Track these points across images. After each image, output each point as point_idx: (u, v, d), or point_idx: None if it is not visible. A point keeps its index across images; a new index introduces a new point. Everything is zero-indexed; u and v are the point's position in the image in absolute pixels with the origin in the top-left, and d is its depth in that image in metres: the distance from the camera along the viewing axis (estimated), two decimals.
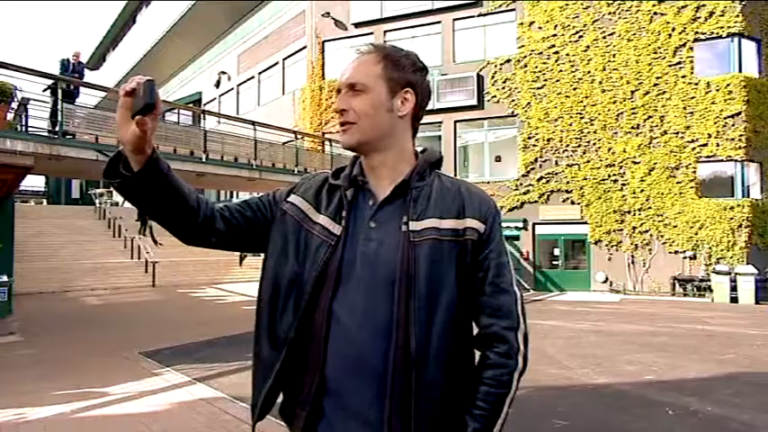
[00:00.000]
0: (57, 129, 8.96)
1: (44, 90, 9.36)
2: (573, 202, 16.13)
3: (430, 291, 1.04)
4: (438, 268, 1.06)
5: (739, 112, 14.21)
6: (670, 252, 14.79)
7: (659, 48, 15.13)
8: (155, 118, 1.00)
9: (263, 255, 1.21)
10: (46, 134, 9.22)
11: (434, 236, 1.07)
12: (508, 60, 17.14)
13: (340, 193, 1.14)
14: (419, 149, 1.22)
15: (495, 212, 1.16)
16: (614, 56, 15.68)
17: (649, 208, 15.07)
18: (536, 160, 16.63)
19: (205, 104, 27.62)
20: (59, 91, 9.00)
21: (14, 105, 8.77)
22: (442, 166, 1.23)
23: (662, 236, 14.89)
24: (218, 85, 27.08)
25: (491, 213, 1.15)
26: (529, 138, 16.72)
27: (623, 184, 15.43)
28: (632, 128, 15.34)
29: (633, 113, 15.33)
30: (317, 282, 1.08)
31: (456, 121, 17.97)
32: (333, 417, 1.06)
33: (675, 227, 14.71)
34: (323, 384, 1.06)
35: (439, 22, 18.34)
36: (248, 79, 25.12)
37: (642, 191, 15.14)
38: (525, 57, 16.89)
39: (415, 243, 1.06)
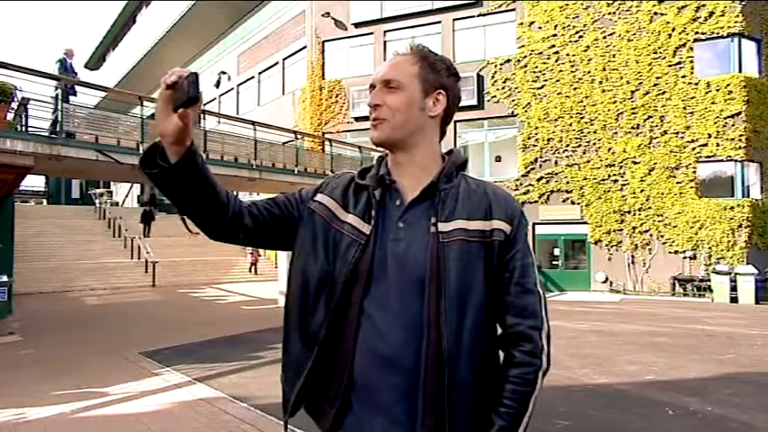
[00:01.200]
0: (57, 129, 8.96)
1: (55, 94, 9.28)
2: (573, 202, 16.13)
3: (460, 291, 1.07)
4: (467, 269, 1.08)
5: (739, 112, 14.21)
6: (670, 252, 14.79)
7: (659, 48, 15.13)
8: (196, 110, 1.02)
9: (281, 255, 1.26)
10: (46, 134, 9.22)
11: (463, 237, 1.09)
12: (508, 60, 17.14)
13: (368, 193, 1.16)
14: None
15: (521, 214, 1.17)
16: (614, 56, 15.68)
17: (649, 208, 15.07)
18: (536, 160, 16.63)
19: (205, 104, 27.59)
20: (60, 91, 8.98)
21: (14, 105, 8.76)
22: (467, 168, 1.25)
23: (662, 236, 14.89)
24: (218, 85, 27.08)
25: (517, 215, 1.16)
26: (529, 138, 16.72)
27: (623, 184, 15.44)
28: (632, 128, 15.34)
29: (633, 113, 15.33)
30: (348, 280, 1.10)
31: (456, 121, 17.95)
32: (361, 412, 1.09)
33: (675, 227, 14.71)
34: (351, 381, 1.09)
35: (439, 22, 18.34)
36: (248, 79, 25.12)
37: (642, 191, 15.14)
38: (525, 57, 16.89)
39: (444, 244, 1.08)
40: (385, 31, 19.19)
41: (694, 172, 14.66)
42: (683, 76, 14.83)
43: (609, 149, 15.63)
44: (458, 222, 1.10)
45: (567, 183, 16.15)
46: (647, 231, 15.11)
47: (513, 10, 17.23)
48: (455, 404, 1.05)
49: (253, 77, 24.78)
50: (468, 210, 1.12)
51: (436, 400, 1.04)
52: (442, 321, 1.05)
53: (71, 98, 9.56)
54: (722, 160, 14.48)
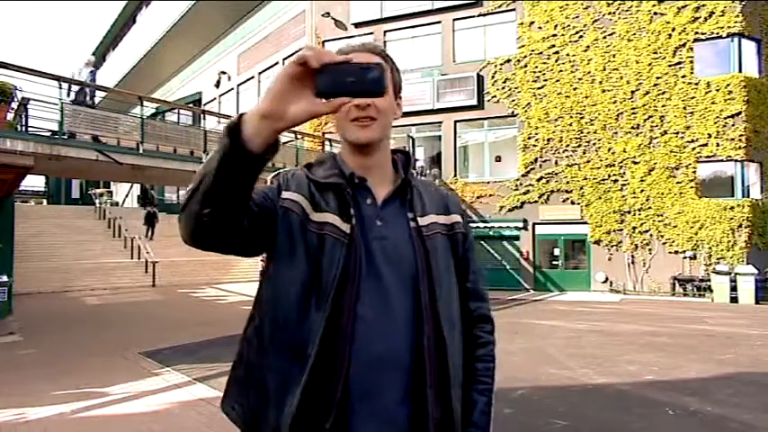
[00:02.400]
0: (57, 129, 8.98)
1: (74, 100, 9.62)
2: (573, 202, 16.13)
3: (446, 282, 1.13)
4: (446, 260, 1.16)
5: (739, 112, 14.21)
6: (670, 252, 14.79)
7: (659, 48, 15.13)
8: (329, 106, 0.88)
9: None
10: (46, 134, 9.23)
11: (439, 230, 1.16)
12: (508, 60, 17.14)
13: (336, 191, 1.11)
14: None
15: (464, 208, 1.30)
16: (614, 56, 15.68)
17: (649, 208, 15.07)
18: (536, 160, 16.63)
19: (205, 104, 27.61)
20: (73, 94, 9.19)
21: (14, 105, 8.77)
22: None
23: (662, 236, 14.89)
24: (218, 85, 27.08)
25: (462, 209, 1.27)
26: (529, 138, 16.72)
27: (623, 184, 15.44)
28: (632, 128, 15.34)
29: (633, 113, 15.33)
30: (339, 282, 1.03)
31: (456, 121, 17.97)
32: (358, 422, 1.02)
33: (675, 227, 14.71)
34: (347, 390, 1.02)
35: (439, 22, 18.34)
36: (248, 79, 25.12)
37: (642, 191, 15.14)
38: (525, 57, 16.89)
39: (427, 238, 1.12)
40: (385, 31, 19.19)
41: (694, 172, 14.66)
42: (683, 76, 14.83)
43: (609, 149, 15.63)
44: (431, 217, 1.16)
45: (567, 183, 16.15)
46: (647, 231, 15.11)
47: (513, 10, 17.23)
48: (457, 391, 1.11)
49: (253, 77, 24.77)
50: (435, 205, 1.19)
51: (443, 391, 1.07)
52: (441, 314, 1.08)
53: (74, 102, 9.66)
54: (722, 160, 14.48)
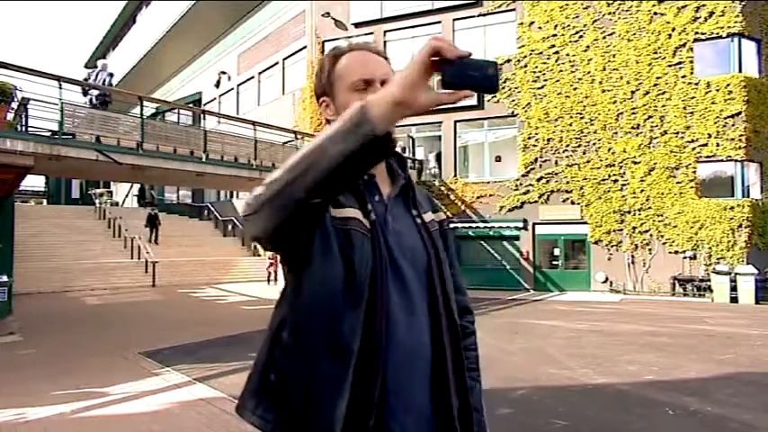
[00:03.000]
0: (57, 129, 8.99)
1: (94, 105, 10.25)
2: (573, 202, 16.13)
3: (449, 275, 1.18)
4: (444, 255, 1.20)
5: (739, 112, 14.21)
6: (670, 252, 14.79)
7: (659, 48, 15.13)
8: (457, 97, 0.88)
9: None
10: (46, 134, 9.23)
11: (436, 227, 1.22)
12: (508, 60, 17.14)
13: (353, 187, 1.10)
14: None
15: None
16: (614, 56, 15.68)
17: (649, 208, 15.07)
18: (536, 160, 16.63)
19: (205, 104, 27.62)
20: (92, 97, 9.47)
21: (14, 105, 8.77)
22: None
23: (662, 236, 14.89)
24: (218, 85, 27.08)
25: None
26: (529, 138, 16.72)
27: (623, 184, 15.44)
28: (632, 128, 15.34)
29: (633, 113, 15.33)
30: (372, 278, 1.03)
31: (456, 121, 17.97)
32: (394, 418, 1.02)
33: (675, 227, 14.71)
34: (385, 386, 1.01)
35: (439, 22, 18.33)
36: (248, 79, 25.12)
37: (642, 191, 15.14)
38: (525, 57, 16.89)
39: (432, 233, 1.18)
40: (385, 31, 19.19)
41: (694, 172, 14.66)
42: (683, 76, 14.83)
43: (609, 149, 15.63)
44: (429, 215, 1.22)
45: (567, 183, 16.15)
46: (647, 231, 15.11)
47: (513, 10, 17.23)
48: (467, 380, 1.16)
49: (253, 77, 24.77)
50: (426, 203, 1.25)
51: (460, 380, 1.13)
52: (452, 306, 1.14)
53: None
54: (722, 160, 14.48)
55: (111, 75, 10.78)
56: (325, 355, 1.01)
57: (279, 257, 1.12)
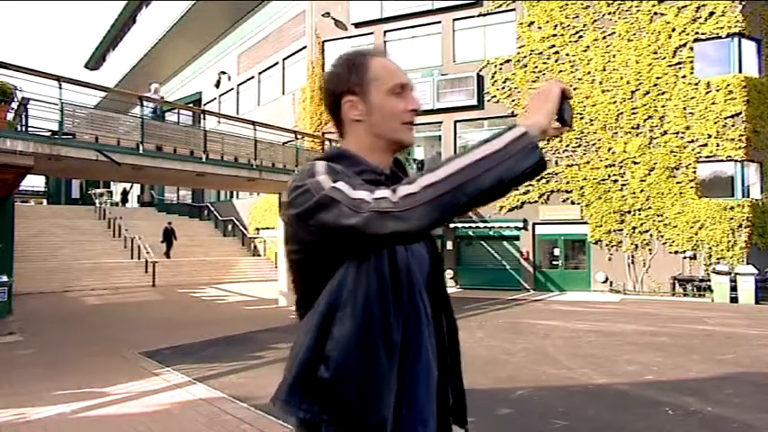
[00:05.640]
0: (57, 129, 8.98)
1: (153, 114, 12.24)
2: (573, 202, 16.12)
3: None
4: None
5: (739, 112, 14.21)
6: (670, 252, 14.79)
7: (659, 48, 15.13)
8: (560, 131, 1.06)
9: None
10: (46, 134, 9.23)
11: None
12: (508, 60, 17.14)
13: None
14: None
15: None
16: (614, 56, 15.68)
17: (649, 208, 15.06)
18: None
19: (205, 104, 27.62)
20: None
21: (14, 105, 8.76)
22: None
23: (662, 236, 14.89)
24: (218, 85, 27.08)
25: None
26: None
27: (623, 184, 15.44)
28: (632, 128, 15.34)
29: (633, 113, 15.33)
30: (409, 273, 1.10)
31: (456, 121, 17.97)
32: (416, 409, 1.10)
33: (675, 227, 14.71)
34: (413, 376, 1.10)
35: (439, 22, 18.33)
36: (248, 79, 25.12)
37: (642, 191, 15.14)
38: (525, 57, 16.89)
39: (432, 236, 1.22)
40: (385, 31, 19.19)
41: (694, 172, 14.66)
42: (683, 76, 14.83)
43: (609, 149, 15.63)
44: None
45: (567, 183, 16.15)
46: (647, 231, 15.11)
47: (513, 10, 17.23)
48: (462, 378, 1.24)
49: (253, 77, 24.77)
50: None
51: (459, 382, 1.21)
52: (452, 308, 1.22)
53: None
54: (722, 160, 14.47)
55: (161, 97, 13.98)
56: (377, 347, 1.05)
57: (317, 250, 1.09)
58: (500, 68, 17.27)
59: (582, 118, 15.98)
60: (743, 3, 14.48)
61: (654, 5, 15.22)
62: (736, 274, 13.00)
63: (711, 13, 14.64)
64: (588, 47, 16.01)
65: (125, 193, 31.49)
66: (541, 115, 0.98)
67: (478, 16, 17.77)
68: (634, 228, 15.25)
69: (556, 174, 16.35)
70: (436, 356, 1.15)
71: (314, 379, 1.06)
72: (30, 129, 9.08)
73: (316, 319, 1.08)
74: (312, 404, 1.05)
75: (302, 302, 1.15)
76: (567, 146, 16.18)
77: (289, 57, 22.43)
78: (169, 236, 19.61)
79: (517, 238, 16.91)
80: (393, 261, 1.08)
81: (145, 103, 11.65)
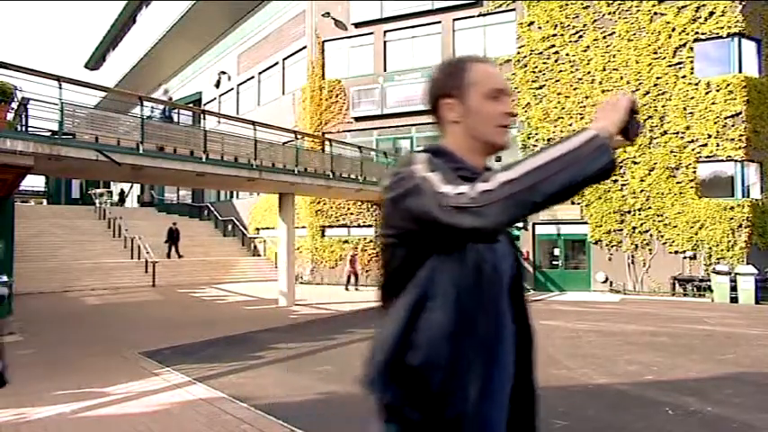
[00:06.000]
0: (57, 129, 8.98)
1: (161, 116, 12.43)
2: (573, 202, 16.11)
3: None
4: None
5: (739, 112, 14.21)
6: (670, 252, 14.79)
7: (659, 48, 15.13)
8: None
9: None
10: (46, 134, 9.22)
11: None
12: (508, 60, 17.14)
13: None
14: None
15: None
16: (614, 56, 15.68)
17: (649, 208, 15.06)
18: None
19: (205, 104, 27.61)
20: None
21: (14, 105, 8.76)
22: None
23: (662, 236, 14.89)
24: (218, 85, 27.08)
25: None
26: (529, 138, 16.72)
27: (623, 184, 15.43)
28: None
29: None
30: (496, 272, 1.16)
31: None
32: (497, 400, 1.15)
33: (675, 227, 14.71)
34: (499, 368, 1.16)
35: (439, 22, 18.33)
36: (248, 79, 25.12)
37: (642, 191, 15.14)
38: (525, 57, 16.89)
39: (513, 239, 1.28)
40: (385, 31, 19.19)
41: (694, 172, 14.66)
42: (683, 76, 14.83)
43: None
44: None
45: None
46: (647, 231, 15.11)
47: (513, 10, 17.23)
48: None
49: (253, 77, 24.77)
50: None
51: (532, 388, 1.26)
52: (530, 311, 1.28)
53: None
54: (722, 160, 14.47)
55: (170, 98, 13.90)
56: (468, 340, 1.09)
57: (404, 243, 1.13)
58: (500, 68, 17.20)
59: (582, 118, 15.98)
60: (743, 3, 14.48)
61: (654, 5, 15.22)
62: (736, 274, 13.00)
63: (711, 13, 14.64)
64: (588, 47, 16.01)
65: (122, 194, 31.54)
66: (608, 123, 1.03)
67: (478, 16, 17.77)
68: (634, 228, 15.25)
69: None
70: (514, 359, 1.19)
71: (402, 365, 1.09)
72: (30, 129, 9.08)
73: (406, 307, 1.11)
74: (398, 389, 1.09)
75: (387, 287, 1.19)
76: None
77: (289, 57, 22.42)
78: (173, 236, 19.62)
79: (517, 237, 16.90)
80: (482, 259, 1.12)
81: (155, 105, 11.84)
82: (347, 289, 16.73)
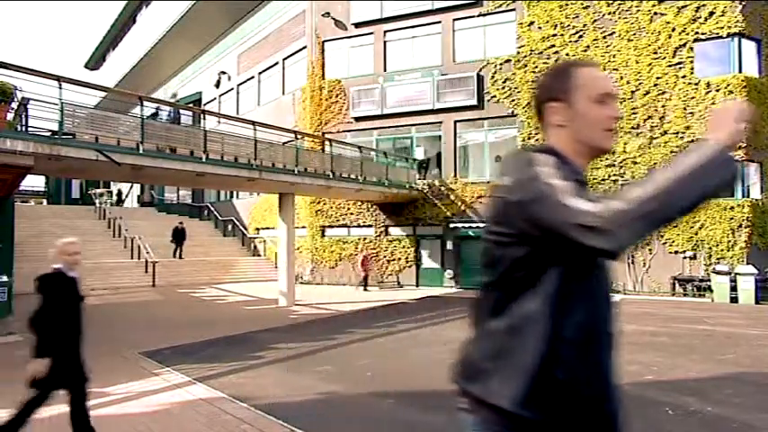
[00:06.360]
0: (58, 129, 8.98)
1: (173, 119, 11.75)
2: None
3: None
4: None
5: None
6: (670, 252, 14.79)
7: (659, 48, 15.13)
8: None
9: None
10: (46, 134, 9.23)
11: None
12: (508, 60, 17.14)
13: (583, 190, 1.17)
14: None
15: None
16: (614, 56, 15.68)
17: None
18: None
19: (205, 104, 27.60)
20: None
21: (14, 105, 8.76)
22: None
23: (662, 236, 14.88)
24: (218, 85, 27.08)
25: None
26: (529, 138, 16.71)
27: (623, 184, 15.42)
28: (632, 128, 15.34)
29: (633, 113, 15.33)
30: (609, 287, 1.24)
31: (456, 121, 17.96)
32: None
33: (675, 227, 14.69)
34: (608, 369, 1.26)
35: (439, 22, 18.33)
36: (248, 79, 25.11)
37: None
38: (525, 57, 16.89)
39: None
40: (385, 31, 19.19)
41: None
42: (683, 76, 14.83)
43: None
44: None
45: None
46: None
47: (513, 10, 17.23)
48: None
49: (253, 77, 24.77)
50: None
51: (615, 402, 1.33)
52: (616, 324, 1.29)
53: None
54: None
55: (177, 101, 13.84)
56: (603, 354, 1.18)
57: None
58: (500, 68, 17.26)
59: None
60: (743, 3, 14.48)
61: (654, 5, 15.22)
62: (736, 274, 13.00)
63: (711, 13, 14.64)
64: (588, 47, 16.01)
65: (120, 194, 31.54)
66: (724, 134, 1.10)
67: (478, 16, 17.76)
68: None
69: None
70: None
71: (549, 380, 1.10)
72: (30, 129, 9.09)
73: (543, 324, 1.11)
74: (540, 404, 1.10)
75: (495, 285, 1.19)
76: None
77: (289, 57, 22.42)
78: (179, 236, 19.58)
79: None
80: (606, 274, 1.18)
81: (162, 107, 11.84)
82: (366, 290, 16.86)
